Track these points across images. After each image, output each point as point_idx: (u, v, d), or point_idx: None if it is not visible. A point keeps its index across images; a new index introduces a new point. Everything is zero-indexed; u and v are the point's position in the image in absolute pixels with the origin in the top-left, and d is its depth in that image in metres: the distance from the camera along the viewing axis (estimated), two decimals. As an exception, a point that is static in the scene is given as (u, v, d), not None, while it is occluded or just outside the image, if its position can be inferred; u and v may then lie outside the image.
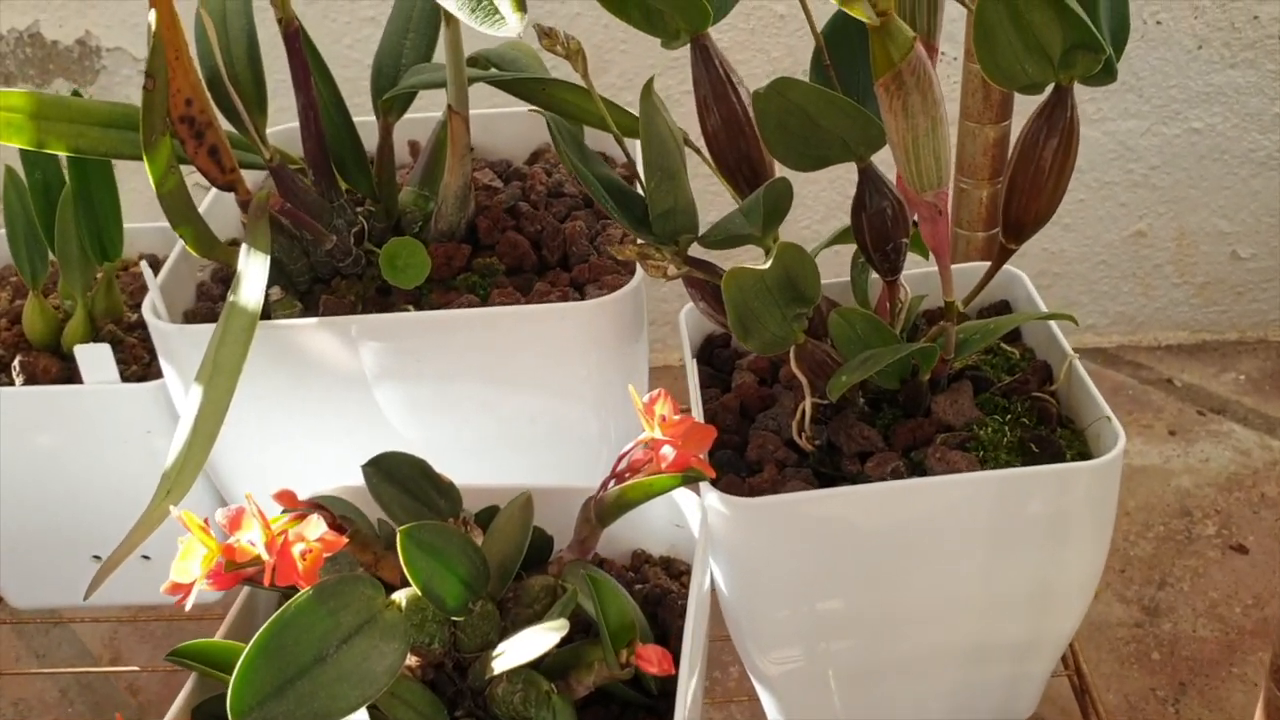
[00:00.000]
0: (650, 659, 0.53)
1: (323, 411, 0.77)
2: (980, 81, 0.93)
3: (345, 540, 0.54)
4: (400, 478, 0.59)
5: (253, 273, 0.70)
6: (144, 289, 0.95)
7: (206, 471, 0.82)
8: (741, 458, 0.73)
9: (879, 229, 0.69)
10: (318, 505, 0.57)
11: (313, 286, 0.81)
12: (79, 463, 0.86)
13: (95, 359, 0.81)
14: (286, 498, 0.56)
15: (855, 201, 0.70)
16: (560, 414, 0.77)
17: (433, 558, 0.54)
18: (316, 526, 0.54)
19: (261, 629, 0.51)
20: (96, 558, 0.93)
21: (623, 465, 0.61)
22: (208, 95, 0.73)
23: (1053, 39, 0.62)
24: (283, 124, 0.91)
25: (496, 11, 0.50)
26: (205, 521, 0.55)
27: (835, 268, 0.81)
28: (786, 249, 0.63)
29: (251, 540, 0.53)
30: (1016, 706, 0.79)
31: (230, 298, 0.70)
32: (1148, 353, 1.47)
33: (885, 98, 0.58)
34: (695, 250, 0.71)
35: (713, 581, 0.70)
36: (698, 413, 0.74)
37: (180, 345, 0.75)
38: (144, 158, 0.70)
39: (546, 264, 0.83)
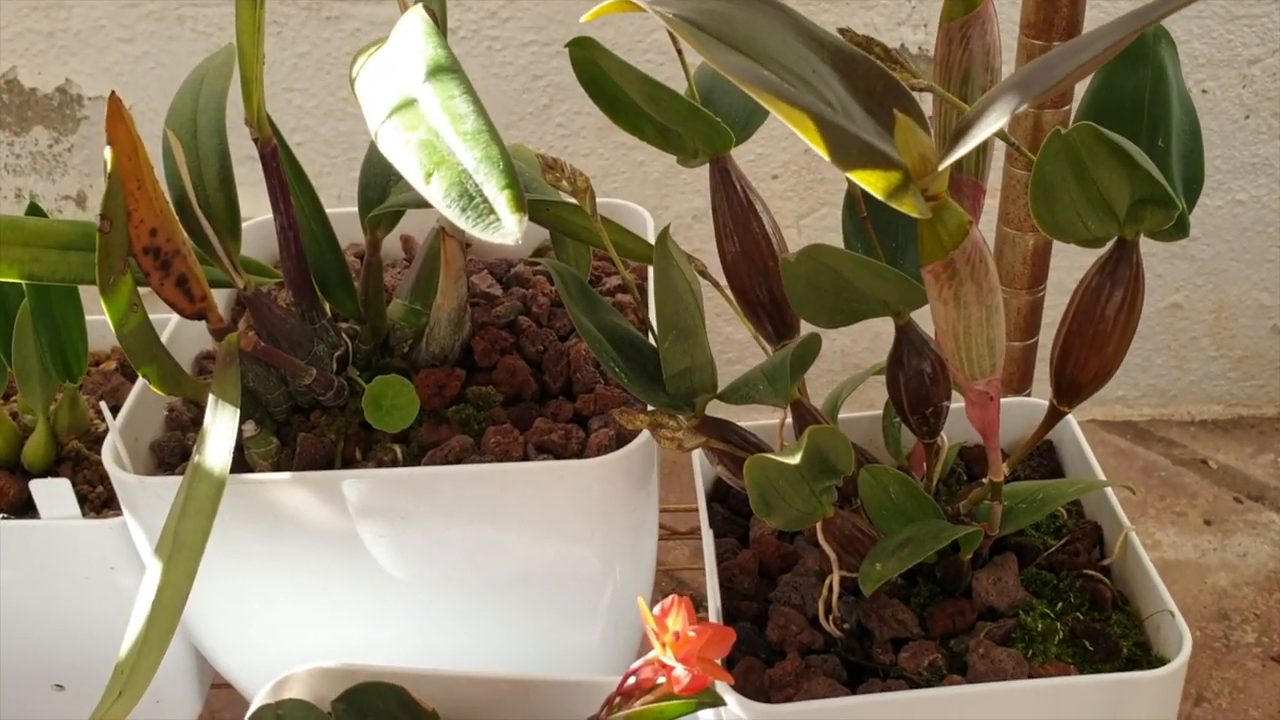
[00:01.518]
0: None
1: (300, 568, 0.70)
2: (1021, 188, 0.86)
3: (312, 796, 0.47)
4: (374, 713, 0.52)
5: (219, 431, 0.63)
6: (116, 392, 0.89)
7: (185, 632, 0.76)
8: (761, 633, 0.66)
9: (918, 392, 0.62)
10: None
11: (291, 417, 0.74)
12: (37, 598, 0.79)
13: (53, 494, 0.74)
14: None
15: (891, 359, 0.63)
16: (558, 573, 0.70)
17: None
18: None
19: None
20: (59, 686, 0.86)
21: (630, 682, 0.54)
22: (175, 221, 0.66)
23: (1119, 195, 0.55)
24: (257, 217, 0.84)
25: (492, 212, 0.43)
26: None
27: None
28: (818, 435, 0.56)
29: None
30: None
31: (195, 458, 0.63)
32: (1180, 428, 1.40)
33: (934, 285, 0.51)
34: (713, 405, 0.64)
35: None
36: (711, 574, 0.67)
37: (143, 498, 0.68)
38: (101, 300, 0.63)
39: (548, 390, 0.76)
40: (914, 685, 0.61)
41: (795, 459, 0.53)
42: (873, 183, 0.43)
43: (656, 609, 0.53)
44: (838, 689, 0.60)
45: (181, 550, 0.60)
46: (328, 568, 0.69)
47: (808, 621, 0.65)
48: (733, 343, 1.33)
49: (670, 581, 1.17)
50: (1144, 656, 0.62)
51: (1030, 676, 0.59)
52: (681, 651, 0.53)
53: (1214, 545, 1.24)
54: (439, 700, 0.61)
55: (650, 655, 0.53)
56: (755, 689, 0.62)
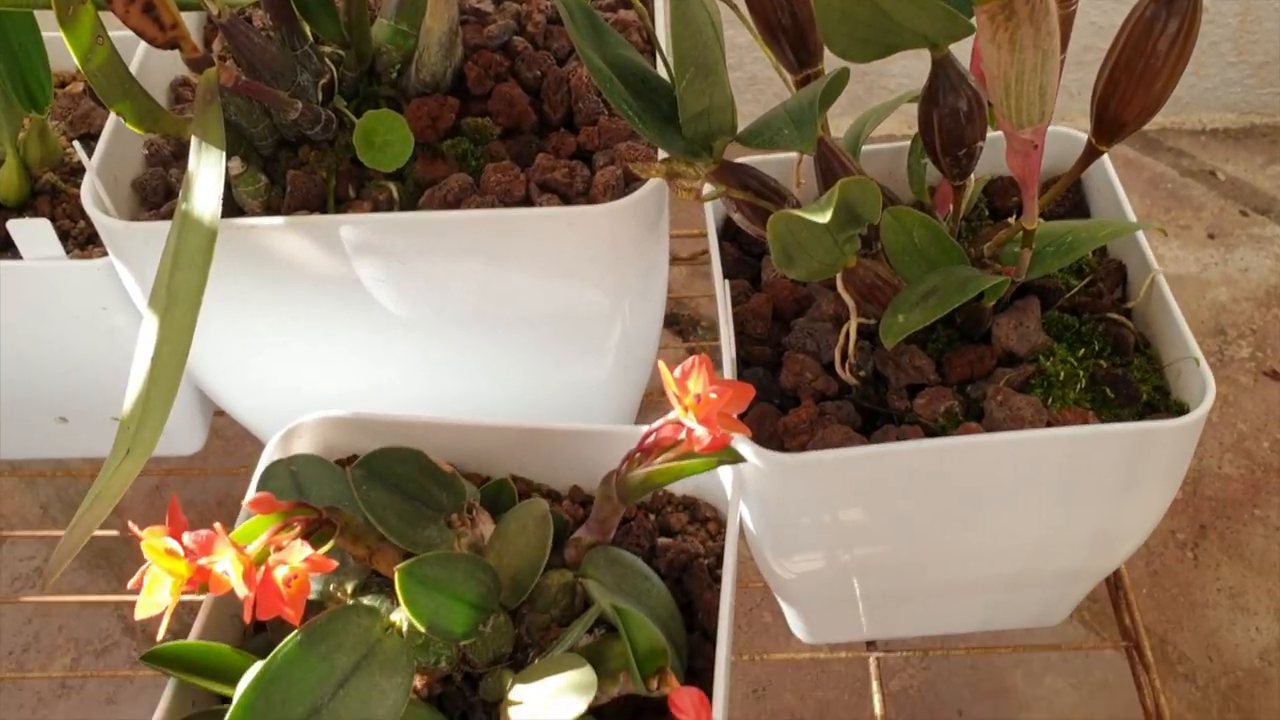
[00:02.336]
0: (685, 707, 0.47)
1: (299, 313, 0.67)
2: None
3: (333, 563, 0.46)
4: (393, 478, 0.51)
5: (205, 176, 0.59)
6: (88, 117, 0.83)
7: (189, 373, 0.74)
8: (774, 379, 0.65)
9: (952, 131, 0.58)
10: (300, 504, 0.50)
11: (277, 152, 0.70)
12: (30, 338, 0.77)
13: (33, 234, 0.71)
14: (263, 504, 0.49)
15: (925, 94, 0.58)
16: (565, 315, 0.68)
17: (437, 591, 0.47)
18: (300, 550, 0.46)
19: (247, 684, 0.45)
20: (62, 419, 0.86)
21: (650, 440, 0.53)
22: (136, -61, 0.59)
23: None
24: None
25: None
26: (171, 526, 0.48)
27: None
28: (850, 188, 0.52)
29: (226, 570, 0.46)
30: (1051, 616, 0.75)
31: (182, 205, 0.59)
32: (1191, 137, 1.36)
33: (988, 26, 0.46)
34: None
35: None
36: (725, 321, 0.65)
37: (130, 244, 0.65)
38: (62, 32, 0.57)
39: (548, 122, 0.72)
40: (929, 432, 0.61)
41: (825, 216, 0.50)
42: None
43: (677, 371, 0.52)
44: (853, 436, 0.60)
45: (177, 304, 0.58)
46: (329, 312, 0.67)
47: (822, 368, 0.64)
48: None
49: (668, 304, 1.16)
50: (1163, 401, 0.62)
51: (1049, 424, 0.59)
52: (702, 413, 0.51)
53: (1216, 259, 1.23)
54: (453, 451, 0.61)
55: (671, 416, 0.52)
56: (769, 436, 0.61)
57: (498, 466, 0.63)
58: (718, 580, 0.58)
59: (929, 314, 0.57)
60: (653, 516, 0.61)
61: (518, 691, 0.47)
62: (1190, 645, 0.95)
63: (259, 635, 0.56)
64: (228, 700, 0.52)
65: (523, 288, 0.66)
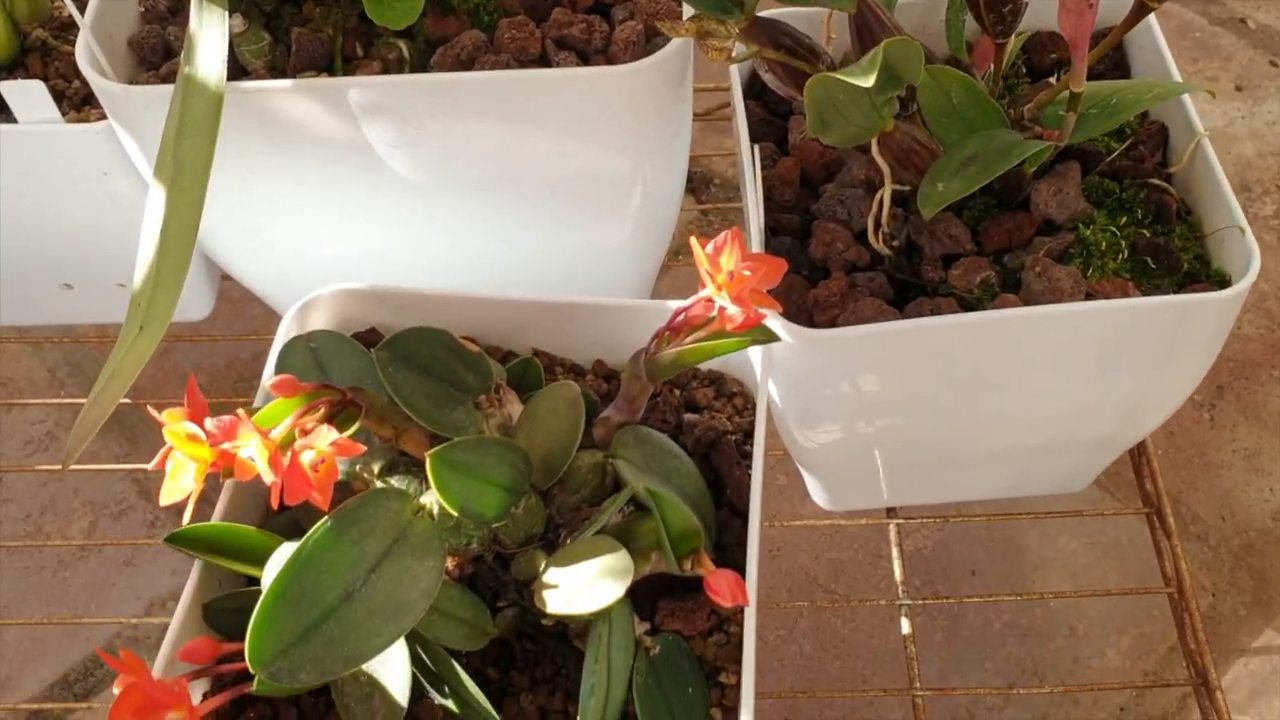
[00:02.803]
0: (721, 590, 0.46)
1: (310, 179, 0.65)
2: None
3: (361, 447, 0.45)
4: (420, 360, 0.50)
5: (209, 37, 0.56)
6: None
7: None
8: (802, 249, 0.63)
9: (997, -15, 0.55)
10: (324, 385, 0.48)
11: (280, 8, 0.66)
12: (30, 204, 0.75)
13: (27, 96, 0.68)
14: (285, 386, 0.47)
15: (969, -54, 0.55)
16: (585, 179, 0.65)
17: (468, 476, 0.46)
18: (327, 434, 0.45)
19: (278, 571, 0.44)
20: (67, 285, 0.84)
21: (680, 319, 0.52)
22: None
23: None
24: None
25: None
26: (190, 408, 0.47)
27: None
28: (893, 49, 0.50)
29: (251, 456, 0.45)
30: (1075, 483, 0.75)
31: (185, 69, 0.56)
32: (1222, -19, 1.30)
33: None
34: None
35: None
36: (754, 187, 0.62)
37: (130, 108, 0.62)
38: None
39: (565, -27, 0.68)
40: (964, 304, 0.59)
41: (869, 79, 0.47)
42: None
43: (709, 247, 0.50)
44: (885, 310, 0.58)
45: (184, 175, 0.55)
46: (339, 178, 0.64)
47: (854, 237, 0.62)
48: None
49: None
50: (1203, 271, 0.60)
51: (1088, 296, 0.57)
52: (735, 290, 0.50)
53: (1242, 113, 1.19)
54: (473, 325, 0.59)
55: (703, 293, 0.50)
56: (797, 309, 0.60)
57: (519, 340, 0.61)
58: (745, 457, 0.57)
59: (969, 183, 0.55)
60: (678, 392, 0.60)
61: (552, 574, 0.47)
62: (1204, 506, 0.95)
63: (282, 514, 0.56)
64: (254, 581, 0.52)
65: (540, 151, 0.63)
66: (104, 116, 0.70)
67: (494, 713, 0.47)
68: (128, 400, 0.93)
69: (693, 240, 0.49)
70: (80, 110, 0.73)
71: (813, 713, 0.84)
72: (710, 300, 0.51)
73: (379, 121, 0.62)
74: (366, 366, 0.53)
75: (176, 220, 0.55)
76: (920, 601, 0.72)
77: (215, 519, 0.53)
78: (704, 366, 0.62)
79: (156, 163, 0.56)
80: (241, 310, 1.09)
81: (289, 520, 0.54)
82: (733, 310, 0.49)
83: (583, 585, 0.45)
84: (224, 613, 0.51)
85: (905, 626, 0.71)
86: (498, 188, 0.66)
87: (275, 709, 0.50)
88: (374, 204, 0.67)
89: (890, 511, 0.75)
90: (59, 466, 0.92)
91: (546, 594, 0.46)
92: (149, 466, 0.47)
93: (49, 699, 0.90)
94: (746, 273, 0.50)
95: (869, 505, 0.76)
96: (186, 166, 0.55)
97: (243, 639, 0.51)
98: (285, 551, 0.50)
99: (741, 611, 0.53)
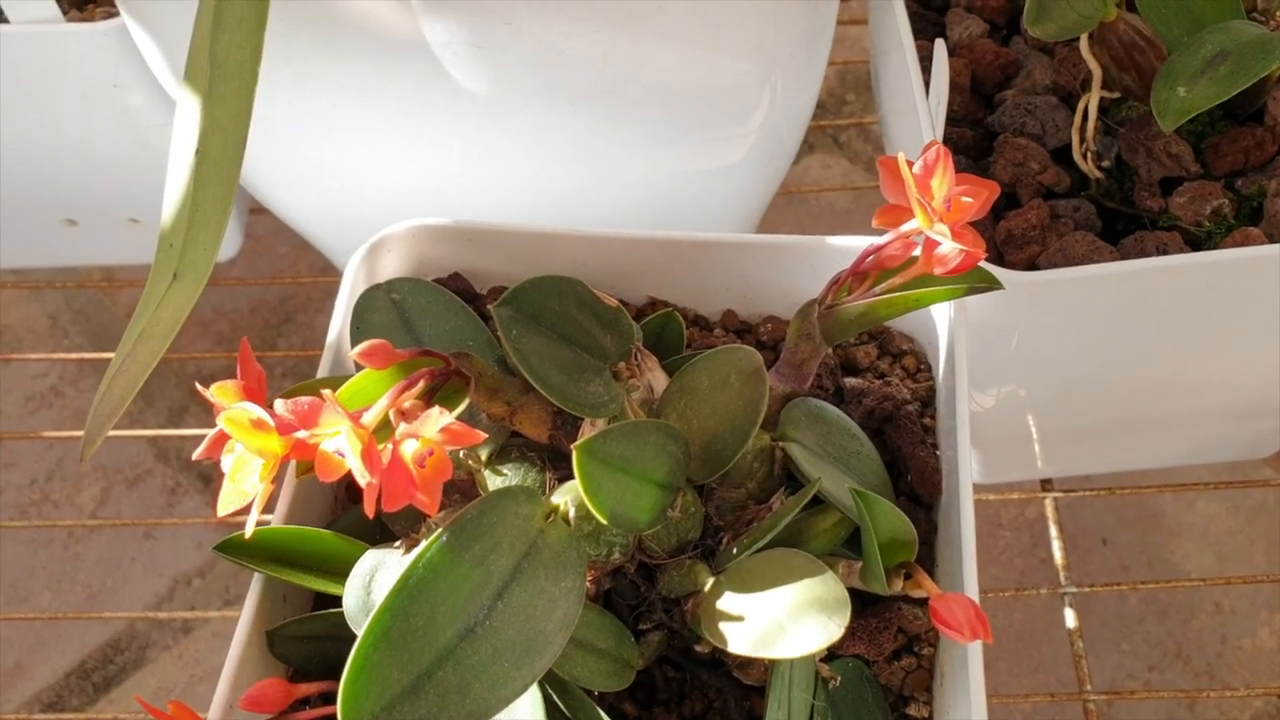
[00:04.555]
0: (955, 620, 0.35)
1: (372, 89, 0.53)
2: None
3: (481, 434, 0.34)
4: (549, 318, 0.38)
5: (253, -98, 0.44)
6: None
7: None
8: (980, 170, 0.51)
9: None
10: (424, 352, 0.37)
11: (329, -122, 0.54)
12: (29, 122, 0.63)
13: (21, -9, 0.56)
14: (377, 354, 0.36)
15: None
16: (704, 90, 0.54)
17: (622, 472, 0.35)
18: (436, 419, 0.34)
19: (380, 604, 0.33)
20: (70, 222, 0.73)
21: (869, 261, 0.40)
22: None
23: None
24: None
25: None
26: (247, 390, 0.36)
27: None
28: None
29: (339, 450, 0.34)
30: (1262, 448, 0.64)
31: (221, -56, 0.44)
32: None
33: None
34: None
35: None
36: (935, 96, 0.50)
37: (149, 5, 0.50)
38: None
39: None
40: (1190, 239, 0.48)
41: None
42: None
43: (916, 167, 0.38)
44: (1099, 246, 0.47)
45: (226, 79, 0.43)
46: (407, 89, 0.52)
47: (1049, 156, 0.50)
48: None
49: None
50: None
51: (1354, 230, 0.46)
52: (954, 221, 0.38)
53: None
54: (578, 268, 0.48)
55: (908, 226, 0.39)
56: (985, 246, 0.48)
57: (632, 287, 0.50)
58: (927, 432, 0.46)
59: (1221, 87, 0.43)
60: (833, 351, 0.49)
61: (730, 601, 0.36)
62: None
63: (353, 510, 0.45)
64: (329, 599, 0.41)
65: (655, 54, 0.51)
66: (111, 14, 0.58)
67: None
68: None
69: (900, 158, 0.37)
70: (83, 9, 0.61)
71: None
72: (908, 238, 0.40)
73: (460, 17, 0.50)
74: (465, 324, 0.42)
75: (218, 136, 0.43)
76: (1087, 589, 0.61)
77: (277, 520, 0.41)
78: (862, 319, 0.50)
79: (188, 64, 0.44)
80: (266, 249, 0.97)
81: (358, 518, 0.43)
82: (948, 248, 0.38)
83: (781, 622, 0.34)
84: (295, 640, 0.40)
85: (1070, 619, 0.60)
86: (596, 102, 0.54)
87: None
88: (447, 122, 0.55)
89: (1045, 484, 0.64)
90: (64, 433, 0.81)
91: (725, 628, 0.35)
92: (195, 455, 0.36)
93: (64, 689, 0.80)
94: (967, 199, 0.38)
95: (1023, 476, 0.65)
96: (228, 66, 0.43)
97: (320, 675, 0.40)
98: (370, 562, 0.39)
99: (935, 630, 0.42)
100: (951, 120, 0.53)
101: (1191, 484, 0.63)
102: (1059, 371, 0.52)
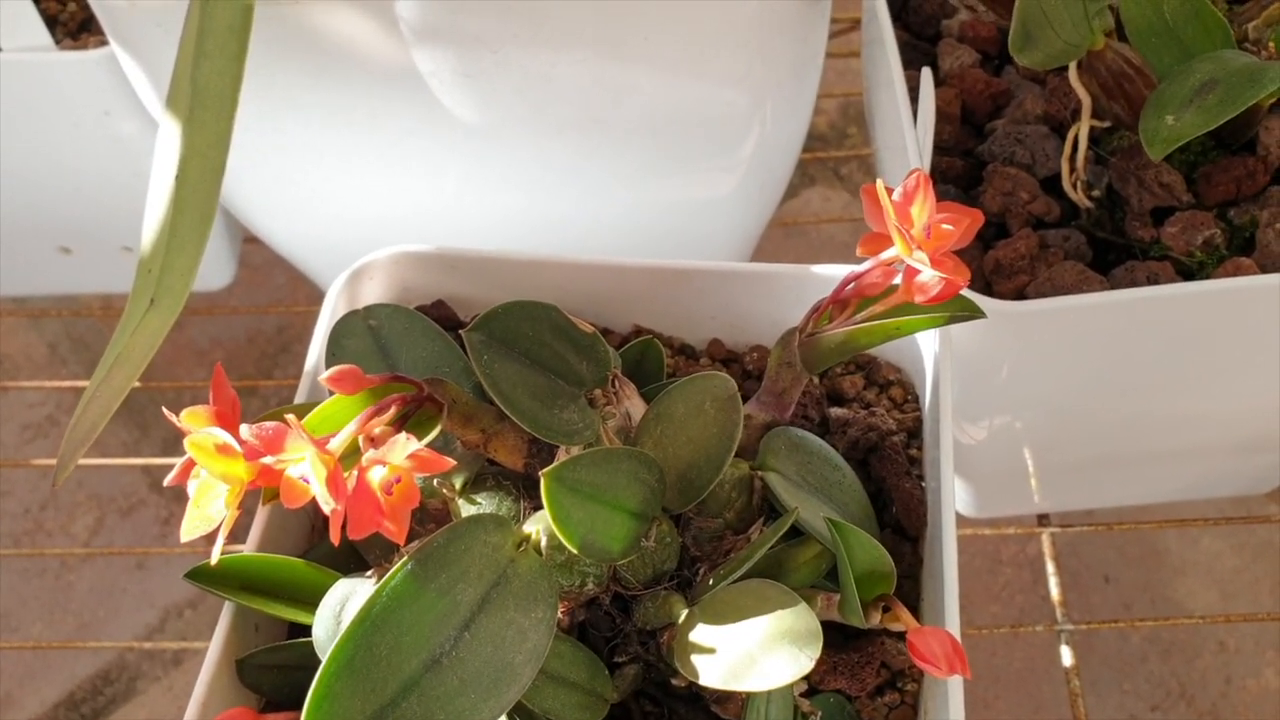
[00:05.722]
0: (931, 654, 0.34)
1: (357, 117, 0.53)
2: None
3: (449, 461, 0.33)
4: (523, 344, 0.38)
5: (236, -71, 0.44)
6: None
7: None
8: (969, 199, 0.51)
9: None
10: (395, 377, 0.37)
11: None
12: (21, 149, 0.63)
13: (13, 19, 0.56)
14: (346, 380, 0.35)
15: None
16: (694, 119, 0.53)
17: (593, 500, 0.34)
18: (403, 446, 0.33)
19: (342, 633, 0.32)
20: (65, 249, 0.73)
21: (849, 290, 0.40)
22: None
23: None
24: None
25: None
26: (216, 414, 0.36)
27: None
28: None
29: (304, 476, 0.33)
30: (1263, 483, 0.63)
31: (204, -30, 0.44)
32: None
33: None
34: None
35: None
36: (920, 126, 0.50)
37: (138, 27, 0.50)
38: None
39: None
40: (1181, 269, 0.47)
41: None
42: None
43: (896, 194, 0.38)
44: (1088, 276, 0.46)
45: (206, 105, 0.43)
46: (396, 117, 0.52)
47: (1039, 185, 0.49)
48: None
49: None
50: None
51: (1348, 261, 0.45)
52: (933, 249, 0.38)
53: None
54: (561, 296, 0.47)
55: (887, 254, 0.38)
56: (972, 276, 0.47)
57: (617, 315, 0.50)
58: (912, 464, 0.45)
59: (1209, 116, 0.43)
60: (818, 381, 0.48)
61: (702, 633, 0.35)
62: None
63: (327, 540, 0.44)
64: (300, 629, 0.40)
65: (642, 83, 0.51)
66: (104, 43, 0.59)
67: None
68: (137, 382, 0.82)
69: (879, 184, 0.37)
70: (77, 38, 0.62)
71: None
72: (888, 265, 0.40)
73: (446, 46, 0.49)
74: (443, 350, 0.41)
75: (197, 161, 0.43)
76: (1085, 626, 0.60)
77: (249, 548, 0.41)
78: (850, 348, 0.50)
79: (170, 90, 0.44)
80: (264, 278, 0.97)
81: (332, 549, 0.43)
82: (928, 276, 0.38)
83: (753, 653, 0.33)
84: (264, 670, 0.39)
85: (1067, 657, 0.59)
86: (585, 130, 0.54)
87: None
88: (435, 149, 0.54)
89: (1042, 519, 0.63)
90: (53, 460, 0.81)
91: (697, 660, 0.34)
92: (167, 482, 0.36)
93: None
94: (947, 227, 0.38)
95: (1018, 511, 0.64)
96: (208, 93, 0.43)
97: (291, 705, 0.39)
98: (341, 591, 0.39)
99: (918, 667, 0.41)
100: (942, 150, 0.52)
101: (1193, 519, 0.62)
102: (1051, 403, 0.52)
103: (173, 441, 0.90)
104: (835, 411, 0.47)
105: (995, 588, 0.81)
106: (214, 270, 0.74)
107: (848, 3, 0.87)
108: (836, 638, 0.42)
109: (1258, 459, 0.59)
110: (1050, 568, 0.62)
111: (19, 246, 0.72)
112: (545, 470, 0.33)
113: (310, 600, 0.39)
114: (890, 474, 0.44)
